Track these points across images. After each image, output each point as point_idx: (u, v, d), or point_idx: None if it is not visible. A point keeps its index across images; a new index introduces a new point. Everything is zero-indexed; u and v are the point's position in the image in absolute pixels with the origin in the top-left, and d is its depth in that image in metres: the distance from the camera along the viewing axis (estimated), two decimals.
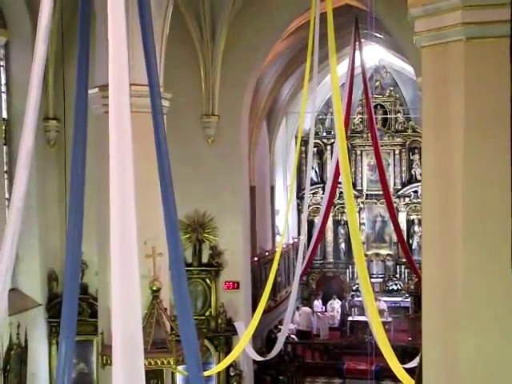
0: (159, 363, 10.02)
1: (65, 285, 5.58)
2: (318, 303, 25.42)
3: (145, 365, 4.70)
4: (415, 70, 15.47)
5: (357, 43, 17.36)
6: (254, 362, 17.19)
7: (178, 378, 14.98)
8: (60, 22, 12.19)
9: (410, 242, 26.22)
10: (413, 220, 26.66)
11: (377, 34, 19.92)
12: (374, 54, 25.29)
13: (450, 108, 5.69)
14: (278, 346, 14.97)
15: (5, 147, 14.21)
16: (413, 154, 26.90)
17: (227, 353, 15.65)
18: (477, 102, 5.54)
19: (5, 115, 14.37)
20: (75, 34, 5.78)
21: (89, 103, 5.98)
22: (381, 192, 22.21)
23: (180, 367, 10.87)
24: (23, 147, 5.54)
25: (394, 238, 25.85)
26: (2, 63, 14.58)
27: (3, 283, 5.57)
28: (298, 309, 24.02)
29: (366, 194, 27.06)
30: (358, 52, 17.51)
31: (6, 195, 13.58)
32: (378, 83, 27.24)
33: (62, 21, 12.12)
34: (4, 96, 14.47)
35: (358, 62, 17.84)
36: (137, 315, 4.49)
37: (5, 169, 14.18)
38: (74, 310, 5.50)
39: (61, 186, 14.58)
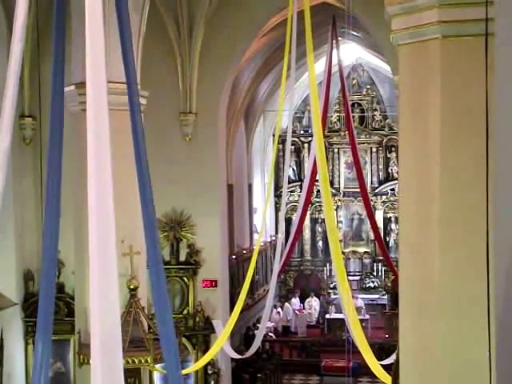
0: (137, 362, 9.97)
1: (41, 284, 5.54)
2: (295, 301, 25.50)
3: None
4: (392, 68, 15.55)
5: (334, 41, 17.40)
6: (232, 360, 17.20)
7: (156, 376, 14.94)
8: (35, 19, 12.07)
9: (387, 239, 26.37)
10: (390, 218, 26.83)
11: (354, 33, 19.98)
12: (351, 52, 25.38)
13: (427, 105, 5.74)
14: (256, 344, 15.00)
15: None
16: (390, 152, 27.06)
17: (205, 351, 15.64)
18: (453, 100, 5.59)
19: None
20: (51, 31, 5.74)
21: (65, 101, 5.94)
22: (358, 190, 22.23)
23: (158, 366, 10.84)
24: (0, 146, 5.48)
25: (371, 235, 25.96)
26: None
27: None
28: (275, 307, 24.08)
29: (344, 192, 27.16)
30: (335, 50, 17.55)
31: None
32: (355, 81, 27.35)
33: (38, 17, 12.01)
34: None
35: (335, 61, 17.89)
36: (115, 313, 4.48)
37: None
38: (51, 309, 5.47)
39: (37, 184, 14.45)
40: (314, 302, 25.57)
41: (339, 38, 18.07)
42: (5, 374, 13.90)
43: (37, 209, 14.46)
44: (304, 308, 25.37)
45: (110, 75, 4.96)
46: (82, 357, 10.02)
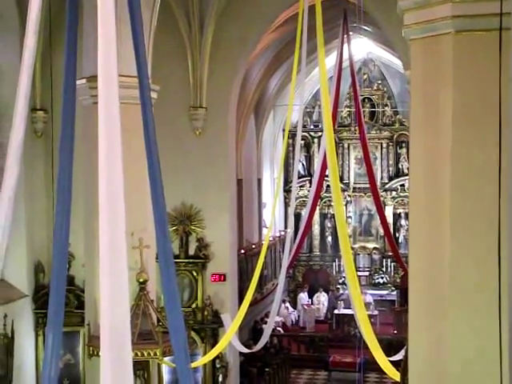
0: (146, 354, 10.02)
1: (52, 276, 5.56)
2: (303, 296, 25.50)
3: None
4: (403, 63, 15.51)
5: (345, 36, 17.37)
6: (241, 353, 17.23)
7: (164, 369, 15.00)
8: (48, 12, 12.09)
9: (397, 235, 26.30)
10: (399, 213, 26.75)
11: (365, 27, 19.93)
12: (362, 47, 25.30)
13: (439, 101, 5.71)
14: (264, 339, 15.01)
15: None
16: (400, 148, 26.97)
17: (213, 345, 15.68)
18: (465, 96, 5.56)
19: None
20: (63, 25, 5.75)
21: (77, 94, 5.95)
22: (368, 185, 22.24)
23: (166, 358, 10.88)
24: (14, 138, 5.51)
25: (381, 231, 25.93)
26: None
27: None
28: (284, 301, 24.09)
29: (353, 188, 27.11)
30: (346, 45, 17.52)
31: None
32: (365, 76, 27.26)
33: (50, 11, 12.02)
34: None
35: (346, 55, 17.85)
36: (125, 306, 4.49)
37: None
38: (61, 301, 5.49)
39: (48, 177, 14.51)
40: (322, 297, 25.56)
41: (350, 33, 18.05)
42: (15, 365, 13.98)
43: (48, 201, 14.53)
44: (312, 303, 25.37)
45: (121, 69, 4.96)
46: (91, 349, 10.07)
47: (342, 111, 26.53)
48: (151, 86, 10.54)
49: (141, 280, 10.28)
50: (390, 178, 27.00)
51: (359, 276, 18.22)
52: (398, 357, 12.99)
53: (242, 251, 21.04)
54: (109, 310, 4.45)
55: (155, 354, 10.06)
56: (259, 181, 25.90)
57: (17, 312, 14.39)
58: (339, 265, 25.83)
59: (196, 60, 16.13)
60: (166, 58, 15.45)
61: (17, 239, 14.18)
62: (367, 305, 20.97)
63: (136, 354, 9.59)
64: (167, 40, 15.33)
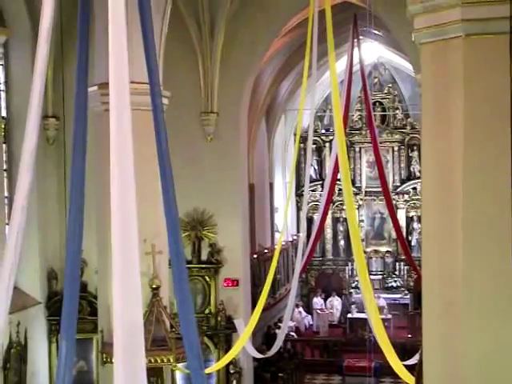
0: (159, 361, 10.01)
1: (65, 283, 5.57)
2: (317, 300, 25.45)
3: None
4: (414, 66, 15.47)
5: (355, 40, 17.33)
6: (254, 359, 17.21)
7: (178, 375, 14.99)
8: (59, 20, 12.16)
9: (410, 238, 26.22)
10: (412, 217, 26.67)
11: (375, 31, 19.87)
12: (372, 50, 25.21)
13: (450, 104, 5.70)
14: (278, 344, 14.98)
15: (4, 145, 14.21)
16: (412, 151, 26.91)
17: (227, 350, 15.67)
18: (476, 99, 5.55)
19: (4, 114, 14.37)
20: (74, 32, 5.78)
21: (88, 101, 5.97)
22: (380, 189, 22.16)
23: (180, 365, 10.87)
24: (26, 146, 5.53)
25: (393, 234, 25.85)
26: (2, 62, 14.55)
27: (7, 283, 5.56)
28: (297, 306, 24.04)
29: (365, 191, 27.06)
30: (356, 49, 17.49)
31: (6, 194, 13.59)
32: (376, 80, 27.23)
33: (62, 18, 12.10)
34: (3, 95, 14.46)
35: (356, 59, 17.82)
36: (138, 313, 4.50)
37: (4, 167, 14.18)
38: (75, 308, 5.50)
39: (60, 184, 14.56)
40: (335, 302, 25.51)
41: (360, 37, 18.00)
42: (29, 372, 14.03)
43: (60, 208, 14.59)
44: (326, 307, 25.31)
45: (132, 75, 4.98)
46: (104, 355, 10.08)
47: (352, 115, 26.48)
48: (162, 92, 10.58)
49: (154, 286, 10.29)
50: (402, 181, 26.94)
51: (372, 280, 18.15)
52: (413, 361, 12.95)
53: (255, 256, 21.03)
54: (122, 316, 4.45)
55: (169, 361, 10.05)
56: (271, 185, 25.90)
57: (30, 319, 14.44)
58: (352, 269, 25.76)
59: (207, 65, 16.16)
60: (177, 64, 15.49)
61: (30, 246, 14.25)
62: (381, 309, 20.89)
63: (149, 361, 9.59)
64: (178, 46, 15.36)
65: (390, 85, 27.49)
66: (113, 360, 4.67)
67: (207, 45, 15.99)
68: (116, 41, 4.68)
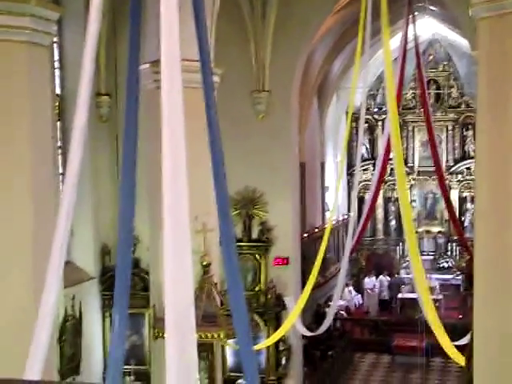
0: (209, 337, 10.13)
1: (117, 259, 5.64)
2: (368, 280, 25.33)
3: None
4: (470, 43, 15.15)
5: (410, 16, 17.02)
6: (304, 337, 17.26)
7: (228, 351, 15.15)
8: None
9: (462, 219, 25.87)
10: (465, 197, 26.29)
11: (431, 7, 19.54)
12: (427, 27, 24.81)
13: (507, 81, 5.57)
14: (327, 322, 14.99)
15: (59, 123, 14.42)
16: (466, 130, 26.47)
17: (276, 328, 15.76)
18: None
19: (58, 91, 14.57)
20: (127, 10, 5.80)
21: (140, 79, 6.00)
22: (433, 169, 21.87)
23: (230, 341, 10.97)
24: (77, 123, 5.58)
25: (446, 215, 25.52)
26: (56, 39, 14.71)
27: (59, 258, 5.65)
28: (347, 285, 23.99)
29: (418, 171, 26.75)
30: (411, 25, 17.18)
31: (60, 170, 13.83)
32: (431, 57, 26.77)
33: None
34: (58, 72, 14.65)
35: (410, 36, 17.51)
36: (189, 289, 4.53)
37: (58, 144, 14.41)
38: (127, 283, 5.55)
39: (113, 161, 14.76)
40: (385, 282, 25.37)
41: (415, 13, 17.68)
42: (83, 344, 14.33)
43: (112, 185, 14.79)
44: (376, 287, 25.20)
45: (183, 53, 4.97)
46: (156, 330, 10.24)
47: (406, 93, 26.12)
48: (214, 70, 10.61)
49: (204, 263, 10.38)
50: (456, 161, 26.52)
51: (423, 260, 17.97)
52: (463, 341, 12.81)
53: (305, 235, 21.02)
54: (173, 292, 4.49)
55: (219, 336, 10.16)
56: (322, 164, 25.78)
57: (84, 293, 14.73)
58: (403, 249, 25.55)
59: (258, 43, 16.11)
60: (229, 42, 15.47)
61: (83, 223, 14.51)
62: (432, 289, 20.69)
63: (200, 336, 9.69)
64: (230, 23, 15.34)
65: (446, 62, 27.00)
66: (164, 335, 4.73)
67: (259, 22, 15.92)
68: (167, 18, 4.69)
